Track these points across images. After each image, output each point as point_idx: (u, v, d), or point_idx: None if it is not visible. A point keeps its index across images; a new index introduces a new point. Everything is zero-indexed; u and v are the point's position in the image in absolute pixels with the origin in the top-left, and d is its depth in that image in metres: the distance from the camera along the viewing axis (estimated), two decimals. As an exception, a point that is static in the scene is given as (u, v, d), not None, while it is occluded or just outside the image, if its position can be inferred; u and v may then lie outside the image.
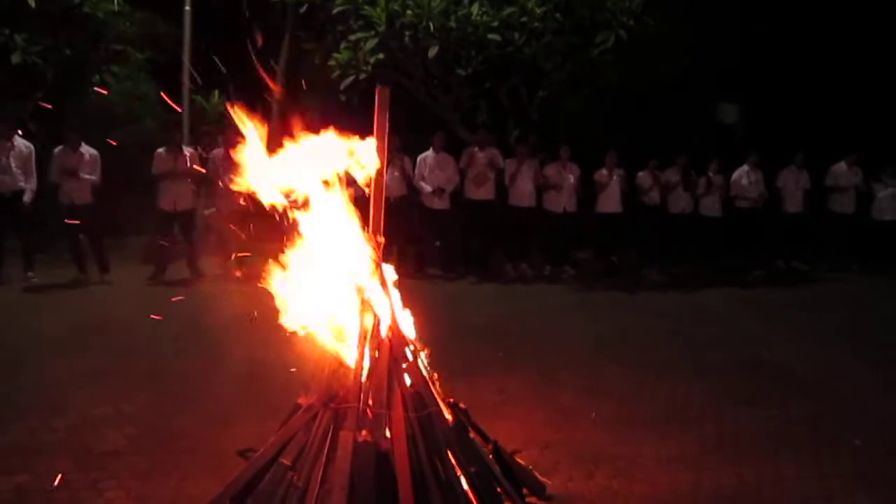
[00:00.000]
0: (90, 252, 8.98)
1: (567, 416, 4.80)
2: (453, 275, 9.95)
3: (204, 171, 9.31)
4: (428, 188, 10.01)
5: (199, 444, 4.18)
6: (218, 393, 4.99)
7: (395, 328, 3.13)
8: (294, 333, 3.28)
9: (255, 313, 3.51)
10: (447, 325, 6.24)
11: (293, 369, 3.76)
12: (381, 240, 3.17)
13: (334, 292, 3.16)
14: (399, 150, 9.66)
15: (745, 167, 11.26)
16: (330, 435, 3.01)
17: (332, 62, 10.16)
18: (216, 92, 11.92)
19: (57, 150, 8.76)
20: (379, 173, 3.09)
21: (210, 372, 5.41)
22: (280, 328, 3.39)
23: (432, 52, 9.60)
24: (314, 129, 3.27)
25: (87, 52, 11.44)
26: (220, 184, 9.16)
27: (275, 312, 3.40)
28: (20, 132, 9.01)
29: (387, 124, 3.08)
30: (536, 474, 3.60)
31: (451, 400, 3.26)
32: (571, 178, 10.47)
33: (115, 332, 6.61)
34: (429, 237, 10.41)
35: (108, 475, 3.81)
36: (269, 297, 3.51)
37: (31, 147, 8.84)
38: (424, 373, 3.15)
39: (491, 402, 4.92)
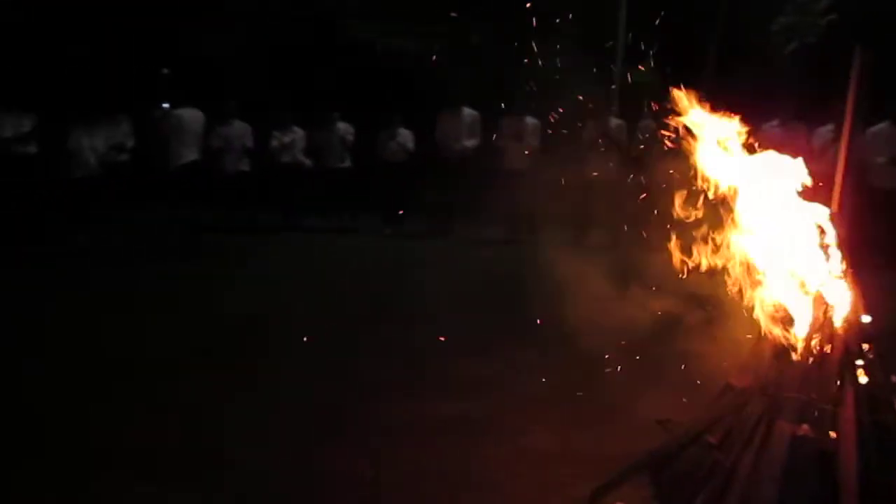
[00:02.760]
0: (521, 213, 9.81)
1: None
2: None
3: (628, 143, 9.48)
4: (881, 159, 8.75)
5: (618, 406, 4.30)
6: (628, 358, 5.04)
7: (852, 319, 2.81)
8: (733, 311, 3.17)
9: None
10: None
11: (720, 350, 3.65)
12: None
13: (781, 273, 2.95)
14: None
15: None
16: (764, 423, 2.84)
17: (775, 27, 9.46)
18: (648, 64, 11.93)
19: (504, 119, 9.71)
20: (847, 146, 2.78)
21: (620, 335, 5.47)
22: (714, 305, 3.30)
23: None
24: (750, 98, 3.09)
25: (528, 29, 12.39)
26: (644, 156, 9.23)
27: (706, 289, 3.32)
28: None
29: (863, 92, 2.73)
30: None
31: (913, 409, 2.84)
32: None
33: (536, 289, 7.11)
34: (875, 221, 9.11)
35: (534, 419, 4.15)
36: (698, 274, 3.43)
37: (477, 114, 9.99)
38: (882, 373, 2.79)
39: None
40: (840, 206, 2.83)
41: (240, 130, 10.27)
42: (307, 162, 10.60)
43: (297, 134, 10.58)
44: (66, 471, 3.51)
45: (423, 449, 3.78)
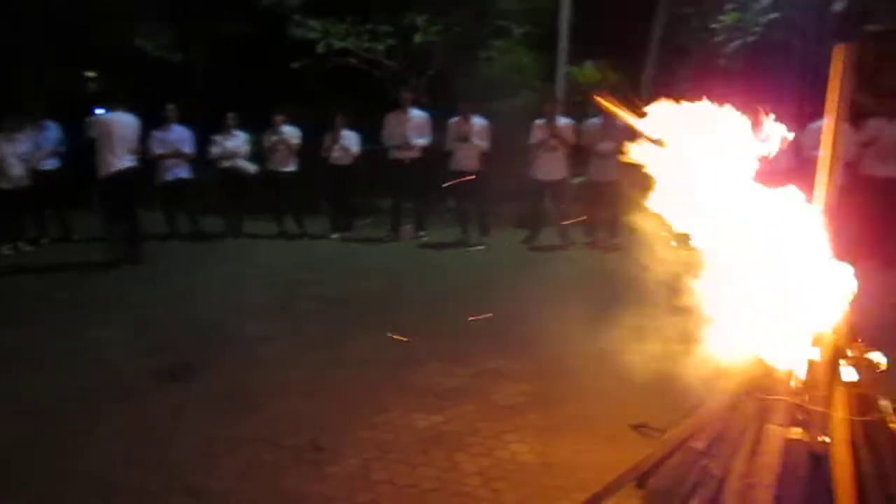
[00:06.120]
0: (473, 215, 9.70)
1: None
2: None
3: (576, 141, 9.45)
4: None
5: (590, 412, 4.23)
6: (598, 363, 4.99)
7: (843, 320, 2.77)
8: (702, 313, 3.10)
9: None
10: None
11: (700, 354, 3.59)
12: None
13: (759, 269, 2.89)
14: None
15: None
16: (753, 428, 2.79)
17: (716, 25, 9.60)
18: (589, 62, 12.01)
19: (452, 120, 9.57)
20: (835, 143, 2.73)
21: (590, 339, 5.44)
22: (677, 303, 3.26)
23: (838, 6, 8.53)
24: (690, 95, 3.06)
25: (475, 29, 12.34)
26: (593, 153, 9.22)
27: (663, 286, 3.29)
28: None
29: (848, 88, 2.69)
30: None
31: (902, 409, 2.82)
32: None
33: (491, 290, 7.06)
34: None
35: (511, 427, 4.04)
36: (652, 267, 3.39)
37: (426, 115, 9.85)
38: (872, 374, 2.76)
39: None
40: (829, 205, 2.78)
41: (180, 135, 9.89)
42: (250, 167, 10.28)
43: (240, 138, 10.25)
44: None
45: (399, 465, 3.64)
